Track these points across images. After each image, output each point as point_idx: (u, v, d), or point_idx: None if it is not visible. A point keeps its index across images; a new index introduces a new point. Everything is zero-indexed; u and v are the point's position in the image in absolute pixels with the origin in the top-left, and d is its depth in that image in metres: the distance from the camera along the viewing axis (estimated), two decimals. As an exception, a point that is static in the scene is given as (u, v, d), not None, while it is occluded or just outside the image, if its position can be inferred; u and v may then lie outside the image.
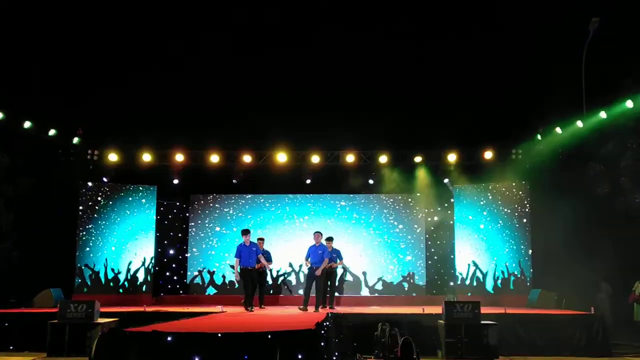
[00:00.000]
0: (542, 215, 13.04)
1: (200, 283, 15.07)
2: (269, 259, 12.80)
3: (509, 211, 13.95)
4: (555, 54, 11.83)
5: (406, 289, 14.75)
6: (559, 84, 11.85)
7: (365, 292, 14.77)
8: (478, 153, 13.95)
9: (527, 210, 13.78)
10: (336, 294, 13.21)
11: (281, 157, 13.94)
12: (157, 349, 6.34)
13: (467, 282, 14.16)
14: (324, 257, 11.71)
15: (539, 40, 12.23)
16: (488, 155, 13.90)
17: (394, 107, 12.86)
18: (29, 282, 12.33)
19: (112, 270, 14.08)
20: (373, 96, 12.79)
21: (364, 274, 14.87)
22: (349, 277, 14.85)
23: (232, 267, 12.92)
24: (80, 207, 14.01)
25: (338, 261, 12.77)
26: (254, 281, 11.87)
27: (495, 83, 12.39)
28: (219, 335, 6.23)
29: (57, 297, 12.09)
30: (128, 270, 14.16)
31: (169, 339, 6.26)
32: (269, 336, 6.13)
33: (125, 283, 14.15)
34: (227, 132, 13.61)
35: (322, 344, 6.63)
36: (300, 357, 6.11)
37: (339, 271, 13.80)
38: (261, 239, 12.90)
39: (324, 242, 12.10)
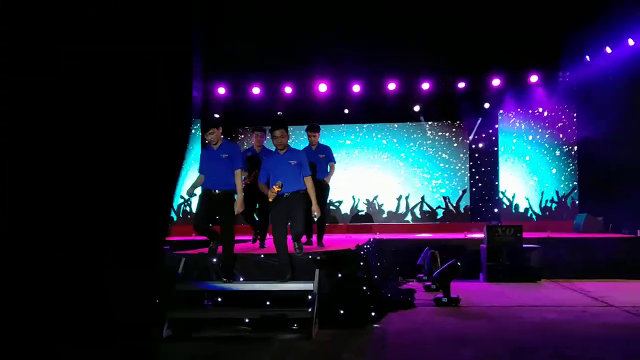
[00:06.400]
0: (590, 140, 12.74)
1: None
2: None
3: (555, 136, 13.70)
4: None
5: (449, 215, 14.79)
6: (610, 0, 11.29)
7: (407, 218, 14.88)
8: (523, 77, 13.57)
9: (574, 134, 13.51)
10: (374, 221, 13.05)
11: (322, 88, 13.90)
12: (203, 268, 6.66)
13: (512, 208, 14.11)
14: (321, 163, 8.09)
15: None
16: (534, 79, 13.52)
17: (435, 32, 12.49)
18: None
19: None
20: (412, 20, 12.40)
21: (407, 200, 14.93)
22: (390, 204, 14.93)
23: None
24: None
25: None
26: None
27: (541, 1, 11.88)
28: (262, 256, 6.49)
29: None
30: (176, 202, 14.64)
31: (214, 260, 6.55)
32: (309, 256, 6.35)
33: (173, 215, 14.65)
34: (268, 64, 13.54)
35: (362, 264, 6.82)
36: (339, 275, 6.33)
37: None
38: (260, 130, 8.80)
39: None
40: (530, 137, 13.98)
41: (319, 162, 8.06)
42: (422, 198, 14.88)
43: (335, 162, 8.43)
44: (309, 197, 6.52)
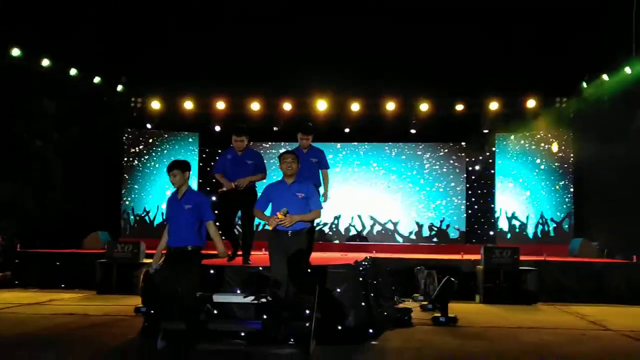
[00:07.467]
0: (586, 165, 12.81)
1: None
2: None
3: (551, 160, 13.78)
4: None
5: (445, 237, 14.73)
6: (606, 28, 11.41)
7: (401, 240, 14.81)
8: (521, 101, 13.65)
9: (570, 159, 13.58)
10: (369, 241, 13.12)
11: (321, 105, 13.89)
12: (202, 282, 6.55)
13: (508, 231, 14.10)
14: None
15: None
16: (531, 103, 13.60)
17: (435, 55, 12.58)
18: (77, 227, 12.75)
19: (157, 215, 14.46)
20: (412, 42, 12.50)
21: (400, 222, 14.87)
22: (383, 227, 14.87)
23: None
24: (125, 154, 14.40)
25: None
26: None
27: (539, 28, 11.98)
28: (260, 268, 6.42)
29: (104, 239, 12.50)
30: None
31: (212, 271, 6.48)
32: (309, 270, 6.28)
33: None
34: (267, 80, 13.56)
35: (360, 280, 6.76)
36: (338, 290, 6.27)
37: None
38: (239, 137, 8.03)
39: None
40: (528, 161, 14.03)
41: (311, 166, 7.33)
42: (418, 219, 14.84)
43: (329, 168, 7.65)
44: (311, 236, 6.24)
